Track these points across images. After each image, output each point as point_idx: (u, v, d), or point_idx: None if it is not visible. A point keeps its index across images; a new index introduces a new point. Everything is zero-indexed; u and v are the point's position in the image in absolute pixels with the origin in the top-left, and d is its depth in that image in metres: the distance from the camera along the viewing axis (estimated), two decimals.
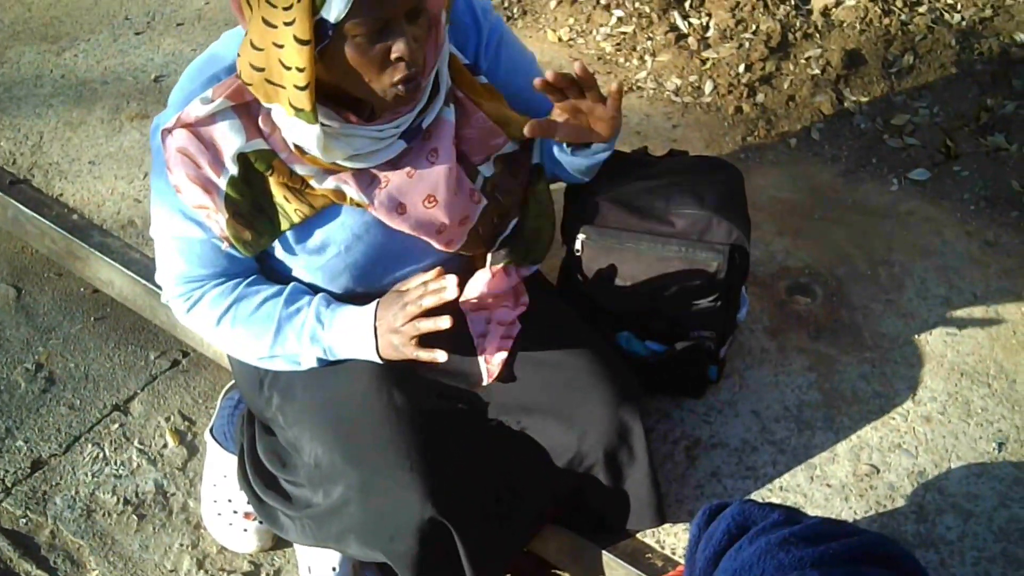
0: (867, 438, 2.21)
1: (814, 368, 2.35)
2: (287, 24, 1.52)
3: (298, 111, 1.60)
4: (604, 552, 2.06)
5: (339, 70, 1.61)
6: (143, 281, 2.64)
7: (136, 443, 2.50)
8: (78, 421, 2.55)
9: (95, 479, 2.42)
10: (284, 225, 1.79)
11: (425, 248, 1.87)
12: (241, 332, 1.87)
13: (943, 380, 2.33)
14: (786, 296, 2.52)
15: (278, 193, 1.75)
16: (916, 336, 2.42)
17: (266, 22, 1.54)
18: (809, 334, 2.43)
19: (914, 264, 2.60)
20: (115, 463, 2.46)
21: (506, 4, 3.54)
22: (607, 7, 3.42)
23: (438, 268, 1.75)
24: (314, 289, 1.91)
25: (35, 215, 2.86)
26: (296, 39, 1.53)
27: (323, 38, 1.55)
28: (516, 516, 1.99)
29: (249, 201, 1.75)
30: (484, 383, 1.94)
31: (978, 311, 2.48)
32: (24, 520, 2.35)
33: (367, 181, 1.76)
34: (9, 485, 2.41)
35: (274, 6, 1.52)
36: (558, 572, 2.21)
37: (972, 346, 2.40)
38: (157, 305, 2.66)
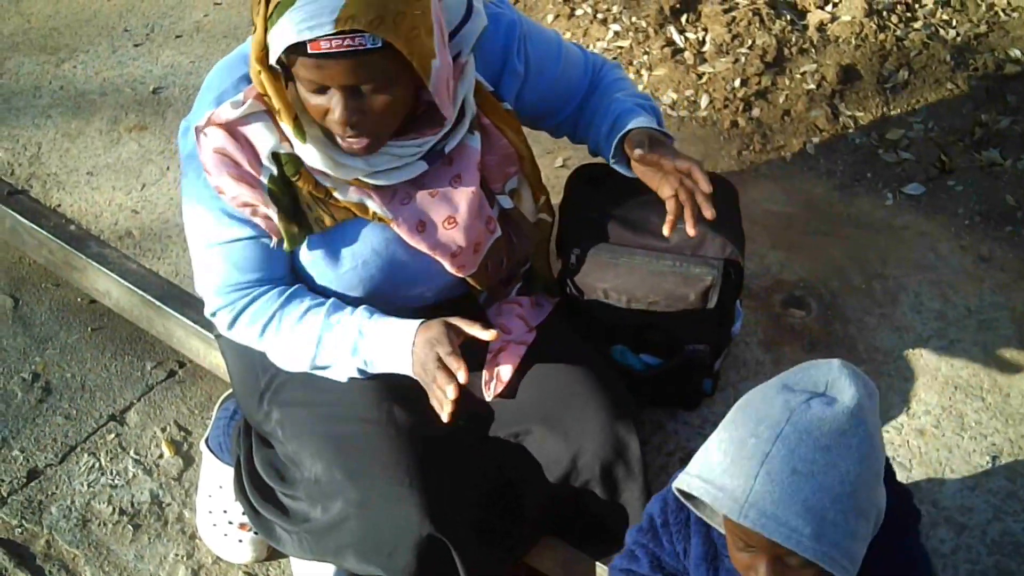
0: None
1: None
2: (256, 47, 1.62)
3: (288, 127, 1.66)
4: (598, 565, 2.06)
5: (298, 102, 1.68)
6: (140, 292, 2.65)
7: (132, 453, 2.50)
8: (74, 431, 2.55)
9: (91, 489, 2.43)
10: (306, 232, 1.81)
11: (439, 271, 1.88)
12: (285, 342, 1.88)
13: (937, 393, 2.34)
14: (781, 309, 2.53)
15: (303, 199, 1.77)
16: (910, 350, 2.43)
17: (254, 39, 1.64)
18: (803, 347, 2.44)
19: (908, 278, 2.61)
20: (111, 473, 2.46)
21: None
22: (604, 21, 3.44)
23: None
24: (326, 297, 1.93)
25: (33, 225, 2.86)
26: (257, 61, 1.62)
27: (277, 73, 1.63)
28: (513, 531, 1.99)
29: (289, 198, 1.77)
30: (488, 399, 1.94)
31: (972, 325, 2.49)
32: (20, 530, 2.35)
33: (390, 196, 1.78)
34: (5, 495, 2.41)
35: (254, 24, 1.61)
36: None
37: (966, 360, 2.41)
38: (154, 316, 2.66)
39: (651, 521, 1.67)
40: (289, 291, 1.88)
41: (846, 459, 1.32)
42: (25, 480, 2.44)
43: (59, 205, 2.92)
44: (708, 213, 1.81)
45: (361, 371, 1.87)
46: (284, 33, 1.54)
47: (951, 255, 2.68)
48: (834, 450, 1.32)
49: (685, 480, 1.41)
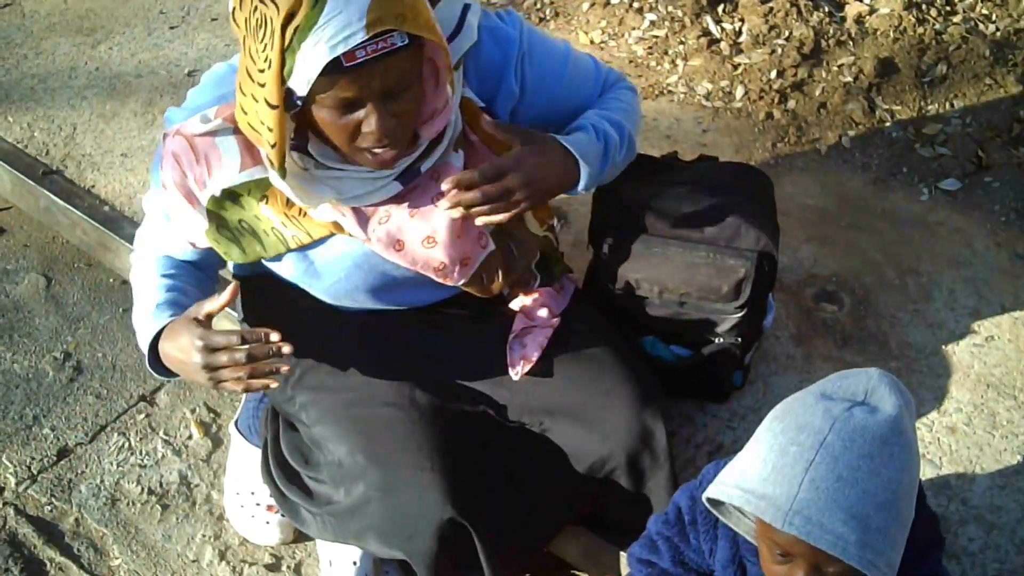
0: None
1: None
2: (261, 85, 1.54)
3: (271, 163, 1.63)
4: (623, 554, 2.05)
5: (314, 130, 1.64)
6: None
7: (161, 434, 2.52)
8: (104, 410, 2.57)
9: (120, 468, 2.44)
10: (276, 249, 1.81)
11: (430, 279, 1.87)
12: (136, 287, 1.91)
13: (969, 391, 2.31)
14: (813, 303, 2.51)
15: (276, 217, 1.77)
16: (943, 346, 2.41)
17: (248, 73, 1.56)
18: (835, 342, 2.43)
19: (943, 274, 2.59)
20: (140, 453, 2.48)
21: (539, 5, 3.55)
22: (640, 10, 3.42)
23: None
24: (322, 305, 1.94)
25: (67, 206, 2.88)
26: (267, 102, 1.54)
27: (293, 105, 1.56)
28: (535, 518, 1.99)
29: (235, 219, 1.78)
30: (516, 379, 1.94)
31: (1006, 323, 2.46)
32: (49, 507, 2.37)
33: (365, 216, 1.77)
34: (35, 472, 2.43)
35: (254, 62, 1.54)
36: (576, 573, 2.21)
37: (999, 358, 2.38)
38: None
39: (678, 515, 1.66)
40: (159, 258, 1.90)
41: (888, 467, 1.32)
42: (55, 458, 2.46)
43: (93, 186, 2.94)
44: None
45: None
46: (316, 55, 1.49)
47: (986, 252, 2.65)
48: (877, 458, 1.32)
49: (721, 491, 1.41)
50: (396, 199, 1.76)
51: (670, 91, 3.18)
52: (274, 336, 1.64)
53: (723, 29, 3.31)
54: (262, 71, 1.53)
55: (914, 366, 2.37)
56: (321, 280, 1.87)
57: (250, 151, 1.72)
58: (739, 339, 2.13)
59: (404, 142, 1.67)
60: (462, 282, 1.87)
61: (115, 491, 2.40)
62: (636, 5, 3.43)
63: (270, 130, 1.57)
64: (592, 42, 3.39)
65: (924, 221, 2.75)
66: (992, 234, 2.71)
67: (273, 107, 1.54)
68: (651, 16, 3.38)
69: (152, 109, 3.19)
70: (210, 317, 1.71)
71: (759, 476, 1.35)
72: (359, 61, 1.50)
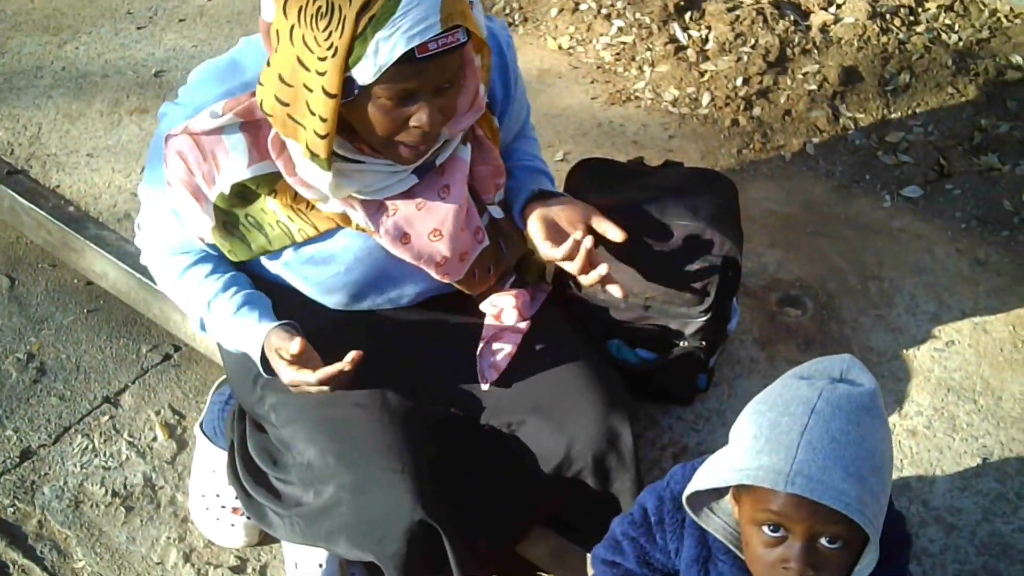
0: None
1: None
2: (320, 73, 1.55)
3: (313, 156, 1.63)
4: (589, 555, 2.06)
5: (358, 120, 1.65)
6: (137, 274, 2.65)
7: (126, 435, 2.51)
8: (68, 412, 2.55)
9: (84, 470, 2.43)
10: (281, 243, 1.82)
11: (424, 276, 1.89)
12: (184, 305, 1.96)
13: (930, 395, 2.35)
14: (777, 308, 2.54)
15: (283, 212, 1.78)
16: (904, 351, 2.44)
17: (301, 62, 1.57)
18: (798, 346, 2.45)
19: (904, 280, 2.62)
20: (104, 455, 2.46)
21: (507, 11, 3.56)
22: (608, 17, 3.44)
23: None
24: (306, 301, 1.94)
25: (31, 205, 2.86)
26: (324, 90, 1.56)
27: (349, 94, 1.58)
28: (504, 520, 2.00)
29: (242, 214, 1.78)
30: (484, 388, 1.95)
31: (966, 328, 2.50)
32: (12, 509, 2.35)
33: (374, 208, 1.79)
34: None
35: (311, 51, 1.55)
36: (544, 575, 2.22)
37: (959, 362, 2.42)
38: (150, 299, 2.67)
39: (644, 515, 1.67)
40: (193, 260, 1.92)
41: (873, 436, 1.37)
42: (18, 460, 2.45)
43: (58, 186, 2.92)
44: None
45: (239, 351, 1.93)
46: (392, 44, 1.52)
47: (947, 258, 2.69)
48: (864, 425, 1.36)
49: (712, 479, 1.42)
50: (404, 193, 1.79)
51: (637, 97, 3.20)
52: (347, 368, 1.73)
53: (690, 36, 3.34)
54: (323, 59, 1.54)
55: (876, 370, 2.39)
56: (322, 273, 1.87)
57: (257, 146, 1.73)
58: (703, 343, 2.14)
59: (437, 138, 1.71)
60: (458, 278, 1.90)
61: (79, 493, 2.39)
62: (604, 12, 3.46)
63: (323, 120, 1.58)
64: (560, 48, 3.41)
65: (886, 228, 2.78)
66: (953, 241, 2.74)
67: (331, 96, 1.56)
68: (619, 23, 3.41)
69: (118, 109, 3.17)
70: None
71: (753, 450, 1.37)
72: (430, 53, 1.54)
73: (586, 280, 1.83)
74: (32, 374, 2.64)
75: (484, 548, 1.95)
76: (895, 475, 2.18)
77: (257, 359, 1.85)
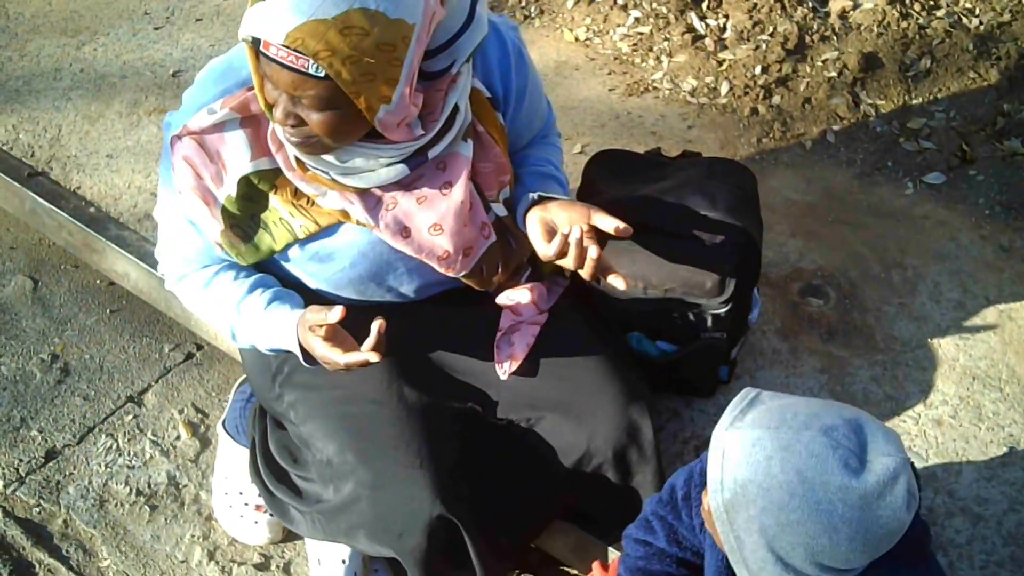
0: None
1: (825, 370, 2.35)
2: None
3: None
4: (611, 550, 2.06)
5: None
6: (159, 274, 2.65)
7: (149, 435, 2.52)
8: (92, 412, 2.57)
9: (108, 469, 2.44)
10: (285, 240, 1.81)
11: (429, 269, 1.88)
12: (212, 317, 1.93)
13: (955, 384, 2.32)
14: (799, 298, 2.52)
15: (284, 208, 1.77)
16: (928, 339, 2.42)
17: None
18: (821, 336, 2.43)
19: (928, 268, 2.60)
20: (128, 454, 2.48)
21: (523, 3, 3.55)
22: (624, 7, 3.42)
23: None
24: (317, 297, 1.93)
25: (53, 207, 2.88)
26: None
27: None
28: (524, 514, 2.00)
29: (248, 216, 1.78)
30: (503, 378, 1.95)
31: (991, 315, 2.47)
32: (37, 509, 2.37)
33: (373, 202, 1.77)
34: (23, 474, 2.43)
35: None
36: (565, 569, 2.22)
37: (984, 350, 2.39)
38: (172, 298, 2.67)
39: (672, 492, 1.67)
40: (219, 267, 1.91)
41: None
42: (43, 460, 2.46)
43: (79, 187, 2.93)
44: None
45: (275, 350, 1.90)
46: (249, 22, 1.52)
47: (971, 245, 2.66)
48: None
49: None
50: (404, 187, 1.77)
51: (655, 88, 3.18)
52: (373, 359, 1.68)
53: (707, 25, 3.32)
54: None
55: (900, 359, 2.38)
56: (326, 269, 1.87)
57: (258, 142, 1.73)
58: (724, 334, 2.13)
59: (319, 143, 1.65)
60: (463, 273, 1.88)
61: (103, 492, 2.40)
62: (620, 2, 3.44)
63: (252, 73, 1.59)
64: (577, 39, 3.40)
65: (909, 215, 2.76)
66: (977, 227, 2.72)
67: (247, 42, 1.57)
68: (635, 13, 3.39)
69: (137, 110, 3.18)
70: (315, 329, 1.74)
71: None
72: (269, 55, 1.52)
73: (584, 273, 1.79)
74: (56, 375, 2.65)
75: (504, 543, 1.95)
76: (921, 466, 2.16)
77: (296, 348, 1.81)
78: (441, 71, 1.69)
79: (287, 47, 1.49)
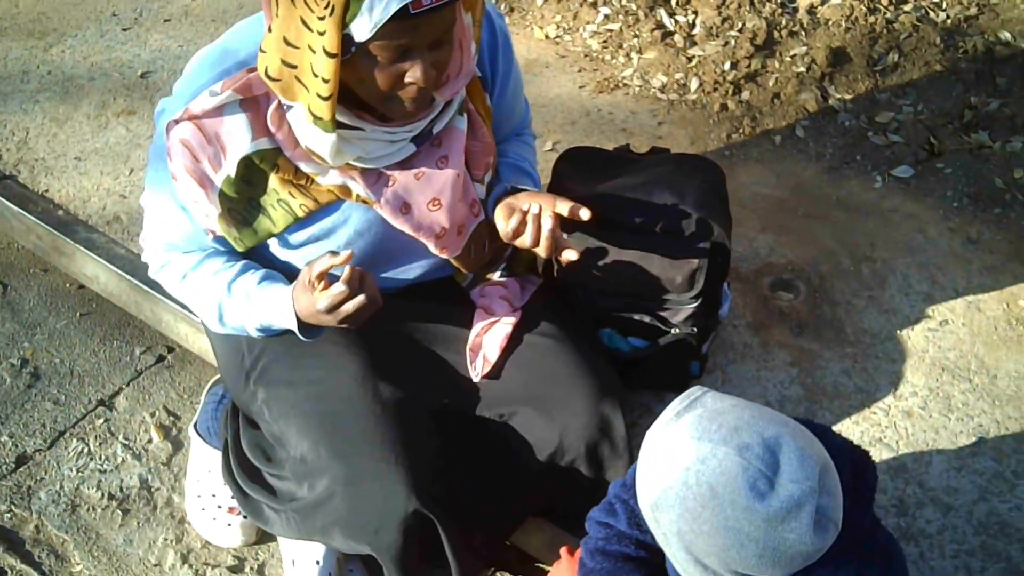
0: (848, 432, 2.22)
1: (796, 363, 2.37)
2: (320, 33, 1.54)
3: (316, 119, 1.62)
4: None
5: (355, 78, 1.63)
6: (128, 277, 2.64)
7: (121, 438, 2.50)
8: (63, 416, 2.55)
9: (80, 474, 2.43)
10: (284, 222, 1.81)
11: (422, 251, 1.89)
12: (196, 302, 1.92)
13: (924, 375, 2.34)
14: (769, 292, 2.53)
15: (283, 189, 1.77)
16: (898, 332, 2.44)
17: (304, 23, 1.56)
18: (791, 330, 2.45)
19: (897, 260, 2.61)
20: (100, 458, 2.46)
21: (494, 1, 3.55)
22: (594, 4, 3.43)
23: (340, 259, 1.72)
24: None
25: (20, 211, 2.86)
26: (325, 50, 1.55)
27: (346, 52, 1.57)
28: (499, 510, 2.00)
29: (245, 199, 1.77)
30: (476, 380, 1.95)
31: (960, 307, 2.49)
32: (8, 515, 2.35)
33: (374, 179, 1.78)
34: None
35: (311, 11, 1.54)
36: (540, 565, 2.22)
37: (953, 342, 2.41)
38: (142, 301, 2.66)
39: (635, 476, 1.67)
40: (206, 253, 1.90)
41: None
42: (14, 465, 2.44)
43: (47, 190, 2.91)
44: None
45: (264, 329, 1.89)
46: (387, 1, 1.51)
47: (939, 237, 2.68)
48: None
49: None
50: (402, 164, 1.79)
51: (625, 84, 3.19)
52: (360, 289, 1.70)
53: (677, 22, 3.33)
54: (322, 18, 1.53)
55: (870, 351, 2.39)
56: (321, 249, 1.86)
57: (258, 122, 1.72)
58: (695, 329, 2.14)
59: (432, 96, 1.70)
60: (455, 254, 1.90)
61: (75, 497, 2.38)
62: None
63: (325, 81, 1.57)
64: (547, 37, 3.40)
65: (878, 208, 2.77)
66: (945, 220, 2.74)
67: (331, 56, 1.55)
68: (605, 10, 3.40)
69: (105, 112, 3.16)
70: (323, 277, 1.73)
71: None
72: (424, 8, 1.53)
73: (541, 249, 1.83)
74: (26, 379, 2.63)
75: (480, 539, 1.95)
76: (891, 457, 2.17)
77: (292, 318, 1.80)
78: None
79: None
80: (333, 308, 1.71)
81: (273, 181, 1.77)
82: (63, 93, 3.26)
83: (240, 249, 1.86)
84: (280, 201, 1.79)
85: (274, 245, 1.88)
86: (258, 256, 1.92)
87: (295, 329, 1.82)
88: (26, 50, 3.45)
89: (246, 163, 1.74)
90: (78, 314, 2.80)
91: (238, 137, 1.71)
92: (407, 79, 1.62)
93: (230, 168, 1.73)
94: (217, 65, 1.74)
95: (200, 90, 1.71)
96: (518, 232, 1.83)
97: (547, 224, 1.81)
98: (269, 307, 1.83)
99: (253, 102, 1.71)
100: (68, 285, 2.88)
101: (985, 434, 2.22)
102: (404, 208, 1.81)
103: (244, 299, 1.85)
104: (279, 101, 1.67)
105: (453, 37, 1.65)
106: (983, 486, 2.13)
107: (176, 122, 1.71)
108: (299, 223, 1.82)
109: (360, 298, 1.70)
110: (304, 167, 1.75)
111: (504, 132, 2.06)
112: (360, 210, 1.82)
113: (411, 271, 1.96)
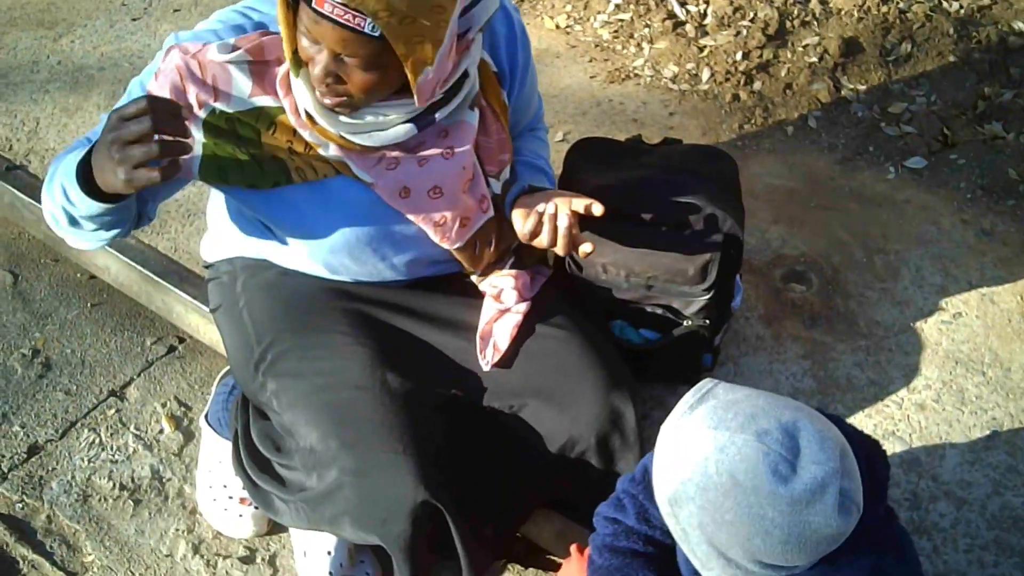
0: (861, 426, 2.21)
1: (809, 356, 2.36)
2: None
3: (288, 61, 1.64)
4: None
5: (296, 32, 1.63)
6: (139, 267, 2.64)
7: (132, 429, 2.50)
8: (74, 407, 2.55)
9: (91, 464, 2.43)
10: (274, 178, 1.77)
11: (425, 240, 1.88)
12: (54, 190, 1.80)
13: (938, 368, 2.33)
14: (781, 284, 2.52)
15: (282, 149, 1.75)
16: (911, 324, 2.43)
17: None
18: (804, 322, 2.44)
19: (910, 252, 2.60)
20: (111, 448, 2.46)
21: None
22: None
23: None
24: (298, 284, 1.92)
25: (31, 201, 2.86)
26: None
27: (295, 5, 1.57)
28: (509, 500, 2.00)
29: (235, 133, 1.73)
30: (486, 368, 1.94)
31: (973, 299, 2.48)
32: (20, 505, 2.36)
33: (375, 160, 1.77)
34: (6, 470, 2.41)
35: None
36: (550, 557, 2.22)
37: (967, 334, 2.40)
38: (153, 291, 2.66)
39: (644, 472, 1.67)
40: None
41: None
42: (26, 456, 2.45)
43: None
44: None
45: (71, 218, 1.76)
46: None
47: (953, 229, 2.67)
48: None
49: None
50: (408, 149, 1.78)
51: (636, 75, 3.18)
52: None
53: (688, 12, 3.31)
54: None
55: (882, 344, 2.38)
56: (322, 222, 1.84)
57: (262, 81, 1.71)
58: (707, 321, 2.13)
59: (351, 101, 1.66)
60: (458, 245, 1.89)
61: (87, 487, 2.39)
62: None
63: (281, 24, 1.59)
64: (558, 27, 3.39)
65: (891, 200, 2.76)
66: (958, 211, 2.72)
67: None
68: (616, 0, 3.38)
69: (115, 102, 3.15)
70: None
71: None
72: (323, 12, 1.51)
73: (559, 248, 1.83)
74: (37, 369, 2.63)
75: (489, 529, 1.95)
76: (904, 450, 2.17)
77: (75, 165, 1.66)
78: (458, 36, 1.70)
79: (344, 4, 1.49)
80: (125, 119, 1.53)
81: (274, 137, 1.75)
82: (73, 83, 3.25)
83: (225, 184, 1.79)
84: (275, 158, 1.75)
85: (271, 199, 1.83)
86: (262, 203, 1.85)
87: (75, 177, 1.65)
88: (36, 40, 3.45)
89: (248, 113, 1.71)
90: (89, 304, 2.80)
91: (237, 90, 1.70)
92: (311, 67, 1.61)
93: (219, 107, 1.70)
94: (234, 20, 1.75)
95: (214, 38, 1.70)
96: (535, 233, 1.84)
97: (563, 223, 1.82)
98: (72, 159, 1.70)
99: (263, 65, 1.71)
100: (79, 275, 2.88)
101: (999, 427, 2.21)
102: (403, 192, 1.80)
103: (58, 162, 1.75)
104: (288, 69, 1.67)
105: (381, 68, 1.59)
106: (997, 480, 2.12)
107: (179, 52, 1.68)
108: (299, 188, 1.79)
109: (143, 103, 1.52)
110: (306, 135, 1.73)
111: (520, 124, 2.05)
112: (362, 189, 1.80)
113: (415, 260, 1.95)
